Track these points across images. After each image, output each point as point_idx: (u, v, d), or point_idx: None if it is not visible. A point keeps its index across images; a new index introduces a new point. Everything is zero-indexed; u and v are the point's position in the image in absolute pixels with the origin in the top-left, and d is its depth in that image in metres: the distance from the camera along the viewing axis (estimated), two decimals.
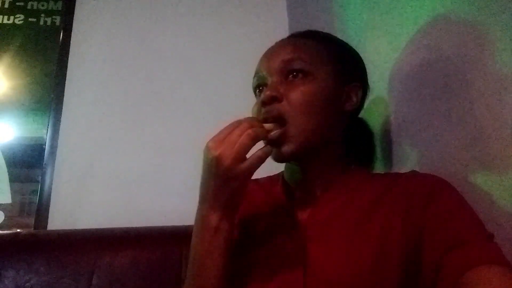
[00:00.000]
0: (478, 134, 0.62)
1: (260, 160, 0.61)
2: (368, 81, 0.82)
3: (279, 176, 0.81)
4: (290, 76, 0.70)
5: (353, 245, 0.63)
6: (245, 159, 0.60)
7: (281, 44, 0.75)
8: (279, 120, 0.67)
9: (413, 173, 0.70)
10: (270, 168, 0.83)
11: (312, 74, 0.69)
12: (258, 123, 0.64)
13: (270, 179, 0.83)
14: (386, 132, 0.89)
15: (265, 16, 1.74)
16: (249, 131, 0.60)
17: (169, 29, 1.69)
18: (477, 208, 0.58)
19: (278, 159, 0.69)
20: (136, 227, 1.18)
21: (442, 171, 0.68)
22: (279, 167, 0.81)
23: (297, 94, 0.67)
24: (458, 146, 0.67)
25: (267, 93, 0.68)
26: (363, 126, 0.91)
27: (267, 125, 0.66)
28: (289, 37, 0.79)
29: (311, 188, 0.73)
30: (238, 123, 0.62)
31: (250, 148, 0.60)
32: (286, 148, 0.67)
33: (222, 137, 0.61)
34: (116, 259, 1.06)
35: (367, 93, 0.82)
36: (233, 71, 1.61)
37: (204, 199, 0.65)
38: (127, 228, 1.17)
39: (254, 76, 0.76)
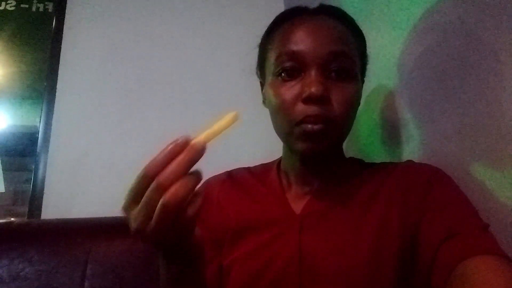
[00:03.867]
0: (478, 125, 0.62)
1: (192, 220, 0.45)
2: (368, 71, 0.79)
3: (274, 164, 0.80)
4: (335, 72, 0.64)
5: (349, 236, 0.63)
6: (172, 227, 0.44)
7: (324, 27, 0.66)
8: (325, 122, 0.62)
9: (409, 163, 0.70)
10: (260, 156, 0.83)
11: (354, 74, 0.66)
12: (186, 165, 0.43)
13: (264, 167, 0.81)
14: (388, 122, 0.88)
15: (261, 3, 1.71)
16: (165, 198, 0.42)
17: (163, 16, 1.67)
18: (474, 198, 0.58)
19: (309, 152, 0.65)
20: None
21: (441, 161, 0.68)
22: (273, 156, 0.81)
23: (344, 97, 0.63)
24: (458, 137, 0.67)
25: (318, 90, 0.61)
26: None
27: (228, 117, 0.47)
28: (322, 15, 0.70)
29: (310, 178, 0.72)
30: (146, 178, 0.43)
31: (174, 216, 0.43)
32: (325, 144, 0.63)
33: (133, 199, 0.45)
34: (110, 249, 1.06)
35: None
36: (229, 60, 1.60)
37: (158, 252, 0.55)
38: (122, 217, 1.16)
39: (286, 54, 0.65)
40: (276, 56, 0.67)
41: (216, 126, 0.47)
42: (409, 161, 0.72)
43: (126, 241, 1.08)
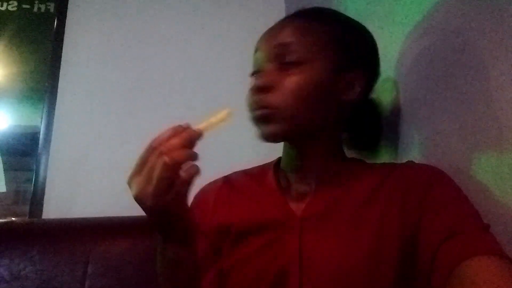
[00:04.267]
0: (478, 125, 0.62)
1: (186, 185, 0.52)
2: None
3: (271, 165, 0.79)
4: (284, 62, 0.67)
5: (349, 237, 0.63)
6: (168, 191, 0.51)
7: (280, 25, 0.71)
8: (266, 108, 0.66)
9: (409, 164, 0.70)
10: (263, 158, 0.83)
11: (307, 62, 0.66)
12: (176, 141, 0.52)
13: (262, 168, 0.80)
14: (388, 121, 0.88)
15: (262, 3, 1.72)
16: (165, 159, 0.50)
17: (165, 17, 1.67)
18: (474, 199, 0.58)
19: (263, 137, 0.68)
20: (131, 216, 1.17)
21: (441, 161, 0.68)
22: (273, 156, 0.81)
23: (289, 84, 0.65)
24: (458, 137, 0.67)
25: (257, 82, 0.67)
26: (372, 110, 0.86)
27: (222, 113, 0.58)
28: (291, 17, 0.74)
29: (308, 178, 0.72)
30: (152, 149, 0.52)
31: (172, 178, 0.51)
32: (271, 128, 0.66)
33: (139, 171, 0.53)
34: (111, 248, 1.06)
35: (377, 78, 0.78)
36: (230, 60, 1.60)
37: (156, 232, 0.61)
38: (122, 217, 1.17)
39: (254, 54, 0.73)
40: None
41: (212, 121, 0.56)
42: (409, 161, 0.72)
43: (127, 240, 1.08)
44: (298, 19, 0.72)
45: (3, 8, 1.62)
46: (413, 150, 0.79)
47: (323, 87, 0.67)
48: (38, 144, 1.47)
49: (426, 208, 0.59)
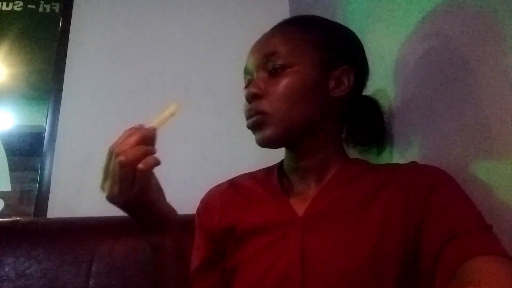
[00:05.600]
0: (479, 126, 0.62)
1: (145, 174, 0.58)
2: (370, 69, 0.80)
3: (275, 167, 0.81)
4: (272, 70, 0.70)
5: (351, 237, 0.63)
6: (131, 185, 0.57)
7: (265, 37, 0.75)
8: (260, 114, 0.69)
9: (413, 164, 0.70)
10: (268, 161, 0.83)
11: (293, 65, 0.70)
12: (128, 140, 0.58)
13: (266, 171, 0.82)
14: (388, 122, 0.88)
15: (266, 2, 1.72)
16: (120, 158, 0.56)
17: (169, 17, 1.67)
18: (476, 199, 0.58)
19: (259, 143, 0.71)
20: None
21: (442, 162, 0.68)
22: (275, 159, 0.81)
23: (278, 89, 0.69)
24: (459, 137, 0.67)
25: (250, 90, 0.70)
26: (372, 106, 0.86)
27: (171, 108, 0.64)
28: (275, 27, 0.78)
29: (310, 179, 0.73)
30: (110, 153, 0.59)
31: (131, 174, 0.57)
32: (266, 132, 0.69)
33: (105, 177, 0.60)
34: (115, 247, 1.07)
35: (367, 73, 0.80)
36: (234, 61, 1.60)
37: (138, 226, 0.68)
38: (127, 216, 1.17)
39: (244, 68, 0.77)
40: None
41: (163, 115, 0.62)
42: (412, 162, 0.72)
43: (131, 240, 1.09)
44: (282, 28, 0.76)
45: (9, 8, 1.63)
46: (413, 150, 0.80)
47: (311, 87, 0.70)
48: (43, 144, 1.47)
49: (429, 209, 0.59)
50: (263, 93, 0.69)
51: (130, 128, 0.60)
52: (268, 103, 0.69)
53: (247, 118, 0.72)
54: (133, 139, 0.57)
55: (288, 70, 0.69)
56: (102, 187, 0.60)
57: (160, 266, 0.69)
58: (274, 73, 0.70)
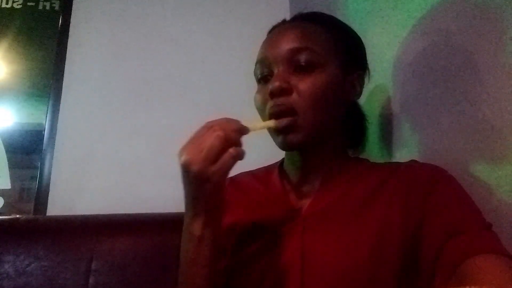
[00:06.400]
0: (479, 124, 0.62)
1: (232, 159, 0.57)
2: (370, 67, 0.80)
3: (276, 165, 0.81)
4: (298, 66, 0.67)
5: (351, 235, 0.63)
6: (215, 161, 0.56)
7: (288, 30, 0.71)
8: (290, 113, 0.65)
9: (413, 163, 0.70)
10: (266, 159, 0.83)
11: (321, 65, 0.67)
12: (230, 124, 0.59)
13: (267, 169, 0.82)
14: (387, 120, 0.88)
15: (267, 3, 1.72)
16: (219, 133, 0.56)
17: (169, 15, 1.67)
18: (476, 198, 0.58)
19: (284, 147, 0.69)
20: (135, 213, 1.18)
21: (441, 160, 0.67)
22: (275, 157, 0.81)
23: (308, 86, 0.66)
24: (458, 136, 0.66)
25: (276, 84, 0.66)
26: (358, 110, 0.86)
27: (269, 122, 0.65)
28: (295, 21, 0.75)
29: (311, 178, 0.72)
30: (208, 126, 0.59)
31: (221, 150, 0.56)
32: (294, 137, 0.66)
33: (192, 142, 0.58)
34: (115, 245, 1.07)
35: (368, 78, 0.80)
36: (235, 59, 1.60)
37: (187, 208, 0.63)
38: (126, 214, 1.18)
39: (258, 63, 0.73)
40: (255, 66, 0.74)
41: (260, 124, 0.65)
42: (412, 160, 0.72)
43: (131, 237, 1.09)
44: (302, 23, 0.73)
45: (8, 6, 1.63)
46: (413, 149, 0.80)
47: (335, 89, 0.69)
48: (42, 141, 1.47)
49: (429, 207, 0.59)
50: (290, 88, 0.66)
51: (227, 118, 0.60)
52: (298, 101, 0.65)
53: (275, 114, 0.66)
54: (235, 125, 0.58)
55: (317, 69, 0.67)
56: (181, 152, 0.58)
57: (202, 257, 0.64)
58: (302, 70, 0.67)
